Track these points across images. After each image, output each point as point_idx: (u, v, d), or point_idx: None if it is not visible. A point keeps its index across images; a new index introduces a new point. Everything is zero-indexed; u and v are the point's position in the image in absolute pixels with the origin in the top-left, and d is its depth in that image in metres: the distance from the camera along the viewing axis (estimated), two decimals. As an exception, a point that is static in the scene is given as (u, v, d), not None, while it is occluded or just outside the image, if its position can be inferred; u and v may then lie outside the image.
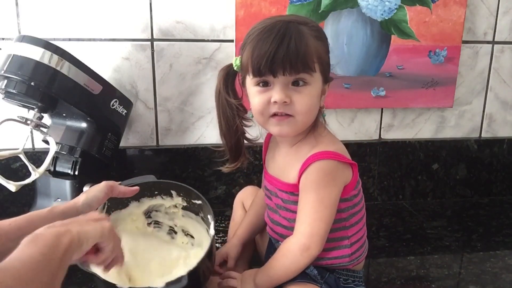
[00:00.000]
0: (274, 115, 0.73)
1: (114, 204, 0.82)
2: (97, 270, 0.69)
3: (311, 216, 0.73)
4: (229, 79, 0.79)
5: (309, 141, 0.77)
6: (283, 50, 0.68)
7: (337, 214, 0.76)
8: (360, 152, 1.30)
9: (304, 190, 0.75)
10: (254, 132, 0.84)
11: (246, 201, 1.00)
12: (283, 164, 0.81)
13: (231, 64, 0.78)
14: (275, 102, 0.71)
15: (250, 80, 0.74)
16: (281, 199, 0.80)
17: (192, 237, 0.85)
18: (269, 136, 0.88)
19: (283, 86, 0.71)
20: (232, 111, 0.79)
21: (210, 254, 0.73)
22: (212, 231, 0.74)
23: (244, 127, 0.82)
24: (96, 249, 0.61)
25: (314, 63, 0.70)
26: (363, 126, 1.31)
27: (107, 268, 0.65)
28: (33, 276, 0.46)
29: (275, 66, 0.68)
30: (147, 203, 0.84)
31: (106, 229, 0.61)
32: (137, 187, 0.79)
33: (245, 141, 0.84)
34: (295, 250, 0.74)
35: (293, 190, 0.77)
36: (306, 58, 0.69)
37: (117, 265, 0.66)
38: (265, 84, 0.72)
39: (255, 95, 0.74)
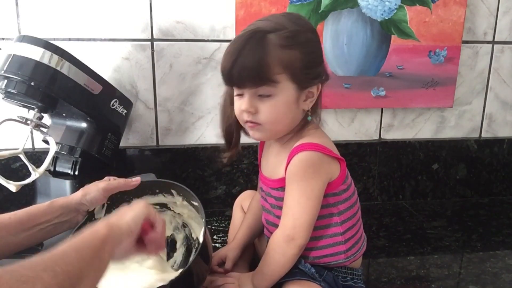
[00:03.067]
0: (246, 122, 0.76)
1: (114, 202, 0.82)
2: None
3: (294, 208, 0.74)
4: None
5: (296, 138, 0.78)
6: (238, 65, 0.70)
7: (327, 209, 0.77)
8: (360, 152, 1.30)
9: (288, 182, 0.75)
10: None
11: (245, 204, 1.00)
12: (274, 163, 0.82)
13: None
14: (243, 110, 0.74)
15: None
16: (274, 198, 0.81)
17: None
18: (263, 142, 0.89)
19: (251, 95, 0.73)
20: (230, 100, 0.81)
21: (199, 261, 0.72)
22: (201, 238, 0.73)
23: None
24: (150, 228, 0.64)
25: (277, 74, 0.70)
26: (363, 126, 1.31)
27: (153, 249, 0.65)
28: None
29: (233, 80, 0.72)
30: (149, 201, 0.85)
31: (143, 207, 0.64)
32: (138, 178, 0.80)
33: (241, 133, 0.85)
34: (281, 242, 0.75)
35: (282, 184, 0.77)
36: (263, 72, 0.70)
37: (159, 249, 0.67)
38: (239, 93, 0.75)
39: (235, 102, 0.77)
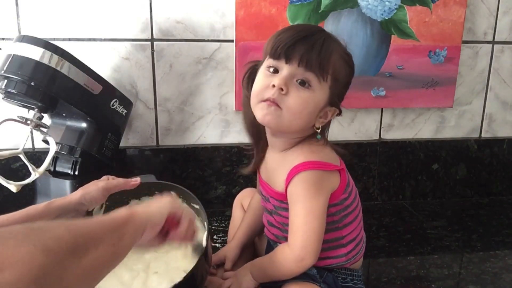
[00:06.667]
0: (267, 100, 0.71)
1: (113, 203, 0.82)
2: None
3: (301, 228, 0.73)
4: (252, 77, 0.78)
5: (297, 150, 0.76)
6: (308, 43, 0.70)
7: (329, 218, 0.76)
8: (360, 152, 1.30)
9: (292, 202, 0.75)
10: None
11: (245, 202, 1.00)
12: (271, 170, 0.81)
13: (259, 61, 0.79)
14: (273, 85, 0.70)
15: (264, 64, 0.75)
16: (273, 205, 0.81)
17: None
18: None
19: (288, 76, 0.70)
20: (249, 104, 0.78)
21: (202, 263, 0.71)
22: (204, 242, 0.73)
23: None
24: (175, 224, 0.64)
25: (328, 74, 0.71)
26: (363, 126, 1.31)
27: (187, 239, 0.66)
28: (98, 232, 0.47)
29: (292, 52, 0.70)
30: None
31: (168, 201, 0.63)
32: (138, 178, 0.80)
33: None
34: (290, 261, 0.74)
35: (282, 198, 0.77)
36: (324, 62, 0.70)
37: (187, 241, 0.67)
38: (275, 71, 0.72)
39: (260, 77, 0.74)
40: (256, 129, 0.81)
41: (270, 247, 0.87)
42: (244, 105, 0.81)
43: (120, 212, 0.54)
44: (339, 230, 0.78)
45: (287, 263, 0.75)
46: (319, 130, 0.76)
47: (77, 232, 0.45)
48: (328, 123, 0.79)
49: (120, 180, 0.78)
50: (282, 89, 0.70)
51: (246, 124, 0.83)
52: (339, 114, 0.78)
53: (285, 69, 0.71)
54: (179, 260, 0.76)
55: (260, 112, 0.73)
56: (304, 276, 0.77)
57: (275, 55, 0.71)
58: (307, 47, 0.69)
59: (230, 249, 0.89)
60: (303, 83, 0.70)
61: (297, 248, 0.74)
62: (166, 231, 0.63)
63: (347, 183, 0.78)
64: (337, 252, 0.79)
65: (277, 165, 0.79)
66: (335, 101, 0.75)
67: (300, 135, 0.76)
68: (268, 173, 0.83)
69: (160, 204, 0.62)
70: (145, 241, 0.59)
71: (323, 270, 0.79)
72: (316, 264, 0.78)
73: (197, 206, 0.80)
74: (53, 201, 0.71)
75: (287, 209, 0.77)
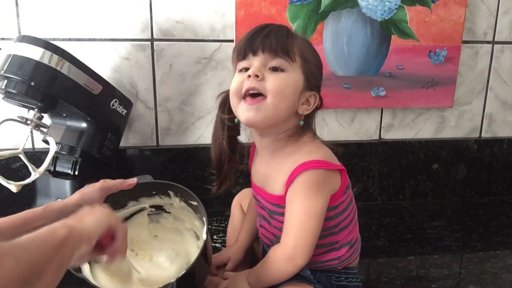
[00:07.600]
0: (246, 95, 0.73)
1: (111, 205, 0.81)
2: (88, 275, 0.69)
3: (296, 227, 0.73)
4: (228, 102, 0.79)
5: (290, 150, 0.76)
6: (265, 32, 0.73)
7: (325, 223, 0.75)
8: (360, 152, 1.30)
9: (291, 200, 0.74)
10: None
11: (244, 203, 1.00)
12: (265, 174, 0.80)
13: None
14: (248, 76, 0.72)
15: (236, 71, 0.77)
16: (268, 211, 0.80)
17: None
18: (254, 146, 0.87)
19: (260, 64, 0.72)
20: (222, 125, 0.80)
21: (202, 260, 0.71)
22: (204, 235, 0.73)
23: (229, 147, 0.82)
24: (110, 238, 0.63)
25: (295, 54, 0.73)
26: (363, 126, 1.31)
27: (112, 258, 0.65)
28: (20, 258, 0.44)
29: (254, 43, 0.72)
30: (146, 202, 0.84)
31: (106, 213, 0.63)
32: (134, 179, 0.79)
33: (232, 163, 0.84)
34: (280, 260, 0.74)
35: (280, 202, 0.76)
36: (286, 44, 0.72)
37: (120, 257, 0.66)
38: (246, 69, 0.74)
39: (235, 78, 0.76)
40: (220, 154, 0.82)
41: (265, 252, 0.86)
42: (216, 129, 0.82)
43: (56, 232, 0.51)
44: (334, 235, 0.78)
45: (278, 263, 0.74)
46: (302, 117, 0.76)
47: (24, 265, 0.44)
48: (313, 114, 0.78)
49: (117, 181, 0.78)
50: (257, 76, 0.71)
51: (214, 147, 0.82)
52: (321, 104, 0.77)
53: (255, 60, 0.73)
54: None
55: (244, 114, 0.73)
56: (298, 278, 0.76)
57: (241, 55, 0.74)
58: (265, 34, 0.72)
59: (235, 252, 0.89)
60: (275, 69, 0.72)
61: (288, 247, 0.73)
62: (100, 245, 0.62)
63: (347, 185, 0.78)
64: (331, 256, 0.78)
65: (271, 169, 0.78)
66: (313, 84, 0.76)
67: (287, 127, 0.76)
68: (262, 177, 0.82)
69: (97, 217, 0.60)
70: (79, 255, 0.57)
71: (316, 270, 0.79)
72: (308, 267, 0.78)
73: (195, 203, 0.79)
74: (51, 204, 0.70)
75: (283, 214, 0.76)
